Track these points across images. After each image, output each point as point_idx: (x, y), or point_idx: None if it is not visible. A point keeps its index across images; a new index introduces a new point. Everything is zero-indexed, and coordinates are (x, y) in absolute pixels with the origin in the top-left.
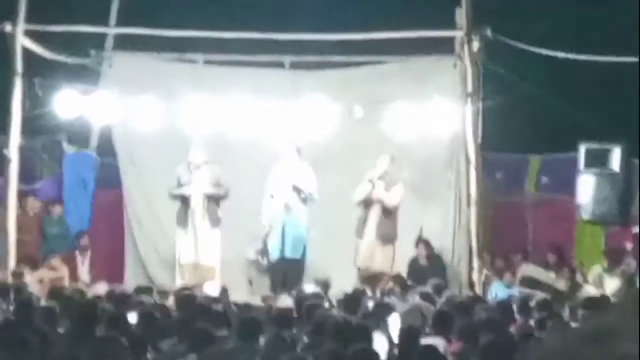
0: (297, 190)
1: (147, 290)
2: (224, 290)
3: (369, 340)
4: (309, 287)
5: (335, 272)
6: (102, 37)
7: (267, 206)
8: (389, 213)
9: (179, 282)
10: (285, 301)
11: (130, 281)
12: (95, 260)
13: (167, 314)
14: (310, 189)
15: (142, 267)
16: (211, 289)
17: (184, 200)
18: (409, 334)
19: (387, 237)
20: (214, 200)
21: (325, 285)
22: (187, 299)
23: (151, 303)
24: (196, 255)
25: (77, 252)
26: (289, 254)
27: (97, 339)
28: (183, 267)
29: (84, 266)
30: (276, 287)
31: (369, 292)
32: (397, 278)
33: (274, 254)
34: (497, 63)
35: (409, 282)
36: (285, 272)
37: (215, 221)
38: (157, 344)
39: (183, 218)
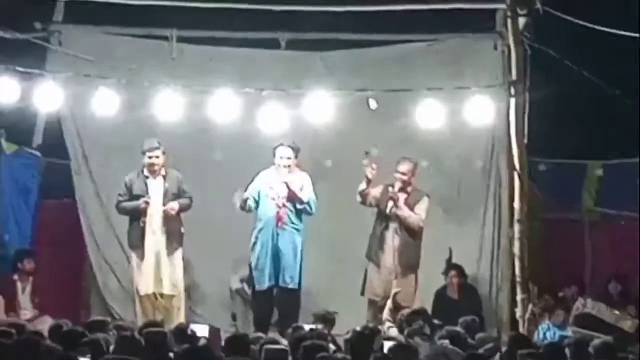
0: (292, 199)
1: (104, 325)
2: (216, 332)
3: None
4: (308, 324)
5: (342, 304)
6: (50, 6)
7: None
8: (413, 234)
9: (140, 318)
10: (277, 340)
11: (93, 314)
12: (40, 288)
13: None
14: (307, 197)
15: (98, 297)
16: (199, 329)
17: (137, 216)
18: None
19: (410, 264)
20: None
21: (327, 321)
22: (156, 337)
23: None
24: (158, 283)
25: (16, 277)
26: (285, 281)
27: None
28: (143, 298)
29: (24, 295)
30: (264, 324)
31: (383, 331)
32: (420, 314)
33: (264, 282)
34: (549, 44)
35: (435, 320)
36: (279, 304)
37: (178, 239)
38: None
39: (138, 238)
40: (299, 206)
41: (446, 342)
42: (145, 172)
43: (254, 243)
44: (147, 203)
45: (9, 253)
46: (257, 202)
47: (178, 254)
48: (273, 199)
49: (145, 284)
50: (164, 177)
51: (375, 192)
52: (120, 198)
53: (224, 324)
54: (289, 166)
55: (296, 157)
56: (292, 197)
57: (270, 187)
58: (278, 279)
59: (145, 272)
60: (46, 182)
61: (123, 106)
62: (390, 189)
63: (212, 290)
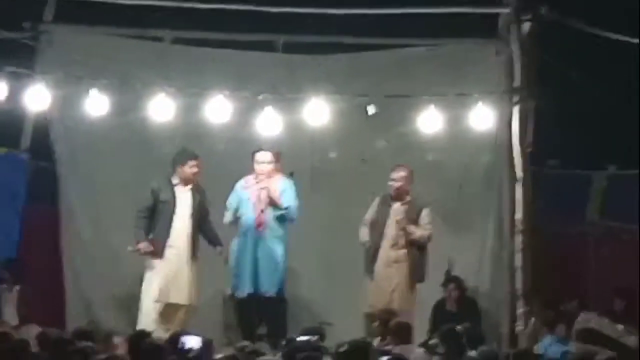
0: (273, 205)
1: (90, 335)
2: (208, 343)
3: None
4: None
5: (337, 316)
6: (40, 5)
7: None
8: (420, 248)
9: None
10: (259, 350)
11: (72, 324)
12: (26, 297)
13: None
14: (288, 202)
15: (86, 306)
16: (192, 341)
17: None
18: None
19: (416, 278)
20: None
21: (318, 334)
22: (150, 350)
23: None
24: (178, 294)
25: (1, 287)
26: (265, 288)
27: None
28: (152, 307)
29: (9, 305)
30: (248, 332)
31: (376, 344)
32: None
33: (244, 289)
34: (554, 51)
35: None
36: (262, 313)
37: (197, 250)
38: None
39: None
40: (280, 212)
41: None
42: (175, 181)
43: (235, 249)
44: (147, 252)
45: None
46: (237, 211)
47: (197, 264)
48: (253, 203)
49: (163, 293)
50: (193, 187)
51: (372, 209)
52: (141, 214)
53: (216, 335)
54: (268, 171)
55: (277, 161)
56: (273, 203)
57: (249, 192)
58: (257, 286)
59: (170, 282)
60: (34, 185)
61: (114, 109)
62: (397, 219)
63: (204, 300)
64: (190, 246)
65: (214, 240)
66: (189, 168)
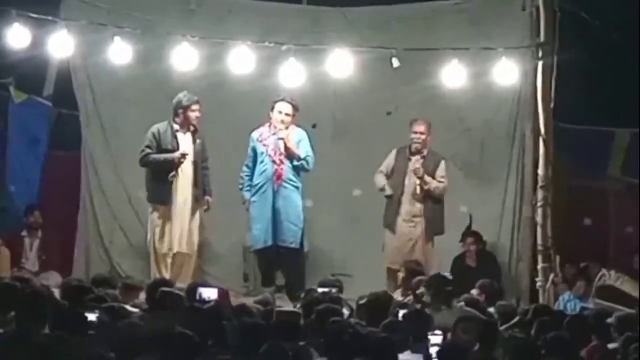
0: (290, 156)
1: (110, 282)
2: (225, 293)
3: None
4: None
5: (356, 269)
6: None
7: (246, 176)
8: (436, 200)
9: (156, 275)
10: (285, 304)
11: (79, 271)
12: (47, 244)
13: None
14: (304, 153)
15: (104, 254)
16: (208, 291)
17: (166, 170)
18: (453, 354)
19: (434, 230)
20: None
21: (336, 286)
22: (169, 298)
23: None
24: (179, 242)
25: (24, 233)
26: (285, 239)
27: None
28: (160, 257)
29: (32, 251)
30: (267, 283)
31: (398, 297)
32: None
33: (264, 240)
34: (580, 6)
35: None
36: (282, 264)
37: (202, 198)
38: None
39: (164, 194)
40: (296, 163)
41: (462, 303)
42: (176, 126)
43: (253, 201)
44: (183, 156)
45: (16, 205)
46: (253, 164)
47: (199, 213)
48: (270, 155)
49: (170, 242)
50: (194, 132)
51: (389, 160)
52: (149, 150)
53: (235, 285)
54: (287, 122)
55: (294, 115)
56: (290, 154)
57: (266, 144)
58: (278, 238)
59: (173, 230)
60: (56, 133)
61: (138, 57)
62: (414, 168)
63: (224, 250)
64: (193, 192)
65: (205, 189)
66: (191, 112)
